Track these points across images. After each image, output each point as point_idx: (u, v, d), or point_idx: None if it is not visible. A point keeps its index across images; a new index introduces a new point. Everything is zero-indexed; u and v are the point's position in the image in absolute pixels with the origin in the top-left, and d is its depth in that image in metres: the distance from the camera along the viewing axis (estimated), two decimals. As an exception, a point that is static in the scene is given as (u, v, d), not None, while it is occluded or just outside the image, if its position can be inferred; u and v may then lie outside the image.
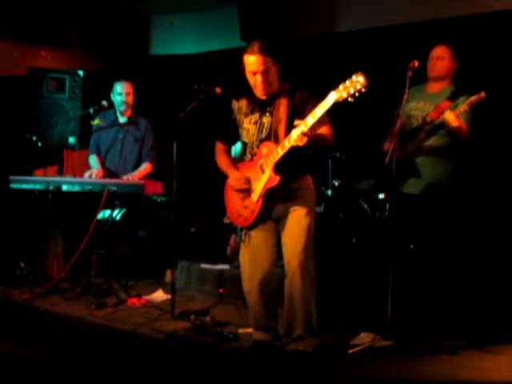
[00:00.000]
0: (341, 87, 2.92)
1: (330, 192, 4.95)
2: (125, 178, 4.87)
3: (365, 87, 2.88)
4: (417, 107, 4.01)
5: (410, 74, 3.64)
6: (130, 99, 5.05)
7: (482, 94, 3.62)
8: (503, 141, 4.71)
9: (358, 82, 2.88)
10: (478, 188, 4.70)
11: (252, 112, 3.36)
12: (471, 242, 4.52)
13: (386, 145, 4.12)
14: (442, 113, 3.80)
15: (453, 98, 3.83)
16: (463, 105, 3.67)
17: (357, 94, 2.90)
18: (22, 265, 5.00)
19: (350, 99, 2.92)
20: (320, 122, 3.06)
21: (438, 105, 3.85)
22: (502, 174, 4.72)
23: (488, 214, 4.71)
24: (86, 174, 4.94)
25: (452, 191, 3.94)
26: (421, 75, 3.89)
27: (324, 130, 3.19)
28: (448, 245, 3.85)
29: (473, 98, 3.64)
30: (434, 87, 4.02)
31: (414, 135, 3.89)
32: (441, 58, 3.94)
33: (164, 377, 3.49)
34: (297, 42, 5.83)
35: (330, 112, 3.03)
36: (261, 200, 3.26)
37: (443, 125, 3.76)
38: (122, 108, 5.06)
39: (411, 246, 3.97)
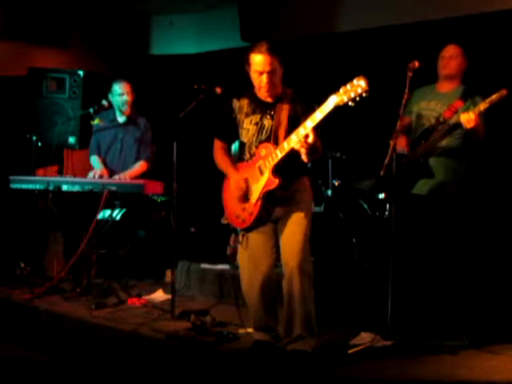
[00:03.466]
0: (341, 91, 2.87)
1: (329, 192, 4.95)
2: (117, 176, 4.86)
3: (366, 92, 2.81)
4: (428, 107, 3.96)
5: (409, 74, 3.63)
6: (131, 98, 5.06)
7: (504, 92, 3.55)
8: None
9: (359, 86, 2.82)
10: (488, 189, 4.66)
11: (253, 112, 3.35)
12: (476, 243, 4.51)
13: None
14: (456, 112, 3.77)
15: (465, 97, 3.80)
16: (484, 103, 3.60)
17: (357, 99, 2.83)
18: (22, 265, 5.00)
19: (350, 103, 2.86)
20: (316, 130, 3.03)
21: (450, 104, 3.81)
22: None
23: (494, 214, 4.69)
24: (90, 175, 4.95)
25: (462, 191, 3.89)
26: (427, 76, 3.87)
27: (316, 143, 3.15)
28: (454, 245, 3.82)
29: (494, 96, 3.57)
30: (444, 87, 3.97)
31: (427, 136, 3.84)
32: (453, 57, 3.90)
33: (164, 377, 3.49)
34: (297, 42, 5.83)
35: (326, 119, 2.99)
36: (259, 202, 3.25)
37: (459, 125, 3.71)
38: (124, 108, 5.06)
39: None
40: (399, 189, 3.63)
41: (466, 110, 3.70)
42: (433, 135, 3.79)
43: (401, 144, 3.95)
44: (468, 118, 3.59)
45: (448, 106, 3.82)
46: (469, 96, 3.80)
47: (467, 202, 3.90)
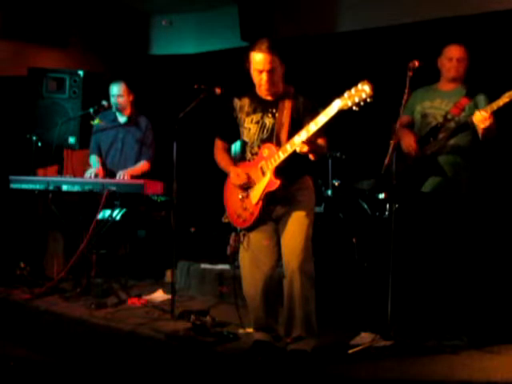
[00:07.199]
0: (346, 95, 2.87)
1: (329, 192, 4.95)
2: (120, 172, 4.86)
3: (370, 97, 2.81)
4: (432, 105, 3.95)
5: (410, 73, 3.63)
6: (122, 101, 5.03)
7: None
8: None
9: (363, 91, 2.82)
10: (495, 190, 4.63)
11: (254, 111, 3.34)
12: (478, 243, 4.51)
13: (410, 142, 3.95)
14: (463, 109, 3.78)
15: (471, 95, 3.80)
16: (502, 98, 3.49)
17: (362, 104, 2.83)
18: (22, 265, 5.00)
19: (354, 108, 2.86)
20: (319, 131, 3.04)
21: (457, 102, 3.81)
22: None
23: (499, 215, 4.69)
24: (87, 173, 4.94)
25: (468, 191, 3.86)
26: (426, 75, 3.85)
27: (321, 141, 3.17)
28: (456, 245, 3.81)
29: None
30: (447, 86, 3.96)
31: (436, 133, 3.84)
32: (461, 60, 3.87)
33: (164, 377, 3.49)
34: (297, 41, 5.83)
35: (328, 122, 2.99)
36: (260, 203, 3.25)
37: (468, 125, 3.71)
38: (118, 109, 5.06)
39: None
40: (406, 187, 3.61)
41: (474, 108, 3.69)
42: (440, 133, 3.79)
43: (409, 141, 3.93)
44: (481, 118, 3.52)
45: (454, 103, 3.83)
46: (474, 94, 3.80)
47: (473, 202, 3.88)
